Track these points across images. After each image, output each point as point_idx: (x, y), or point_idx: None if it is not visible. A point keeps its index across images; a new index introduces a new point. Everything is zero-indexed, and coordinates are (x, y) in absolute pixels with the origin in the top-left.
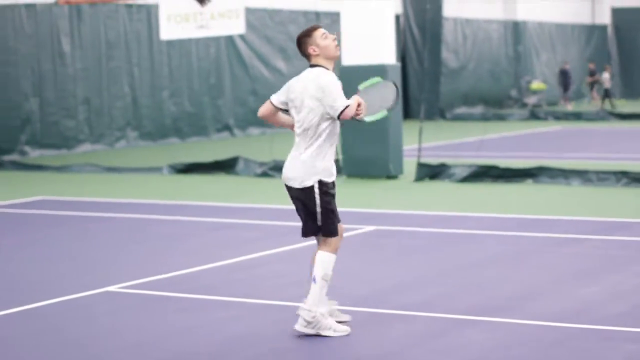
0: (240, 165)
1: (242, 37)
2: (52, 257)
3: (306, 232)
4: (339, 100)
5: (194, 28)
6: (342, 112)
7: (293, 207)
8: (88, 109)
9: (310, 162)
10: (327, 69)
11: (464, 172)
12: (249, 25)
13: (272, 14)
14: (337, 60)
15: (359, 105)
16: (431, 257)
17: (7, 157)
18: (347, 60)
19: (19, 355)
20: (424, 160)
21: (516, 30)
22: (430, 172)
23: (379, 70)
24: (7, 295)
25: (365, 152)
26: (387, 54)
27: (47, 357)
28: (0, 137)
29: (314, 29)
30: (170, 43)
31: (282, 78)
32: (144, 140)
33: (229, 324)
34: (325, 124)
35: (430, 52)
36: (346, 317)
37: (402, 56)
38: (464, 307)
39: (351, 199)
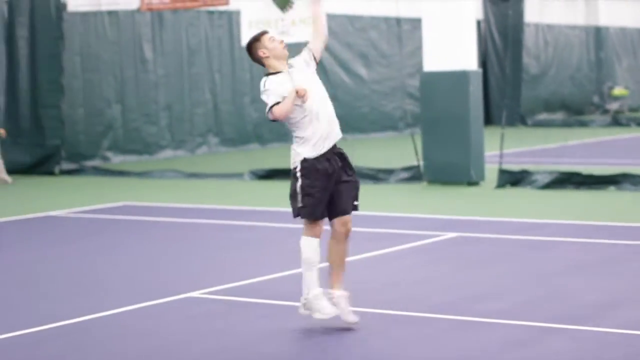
0: None
1: None
2: (134, 262)
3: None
4: (267, 110)
5: (275, 34)
6: (269, 111)
7: (376, 213)
8: (169, 115)
9: (295, 150)
10: (279, 70)
11: (546, 179)
12: (330, 31)
13: (353, 20)
14: (285, 58)
15: (297, 93)
16: (514, 264)
17: (89, 163)
18: (429, 67)
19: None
20: (505, 166)
21: (598, 36)
22: (512, 179)
23: (461, 77)
24: (89, 301)
25: (446, 158)
26: (468, 60)
27: None
28: (83, 143)
29: (261, 34)
30: None
31: (363, 84)
32: (225, 146)
33: (312, 331)
34: (293, 118)
35: (511, 58)
36: (353, 319)
37: (483, 62)
38: (549, 315)
39: (432, 206)
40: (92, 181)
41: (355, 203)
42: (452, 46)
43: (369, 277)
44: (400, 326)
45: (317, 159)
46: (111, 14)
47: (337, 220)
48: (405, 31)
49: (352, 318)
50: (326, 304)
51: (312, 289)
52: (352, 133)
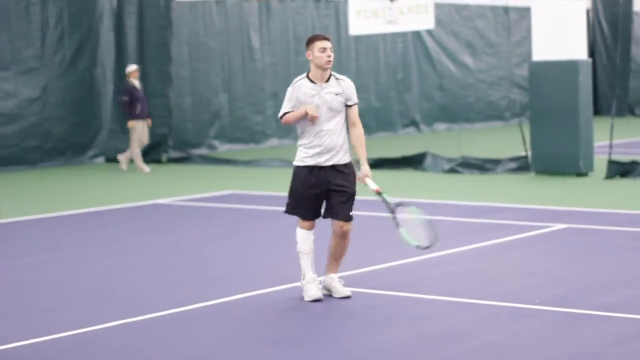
0: (428, 161)
1: (429, 32)
2: (240, 251)
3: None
4: (281, 109)
5: (383, 23)
6: (280, 118)
7: (484, 204)
8: (276, 103)
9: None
10: (312, 77)
11: None
12: (436, 20)
13: (460, 8)
14: (325, 71)
15: (306, 114)
16: (625, 257)
17: (196, 151)
18: (538, 56)
19: (211, 348)
20: (614, 157)
21: None
22: (621, 170)
23: (571, 66)
24: (195, 290)
25: (555, 148)
26: (578, 50)
27: (234, 351)
28: (190, 132)
29: (317, 38)
30: (357, 38)
31: (469, 73)
32: None
33: (422, 322)
34: (300, 125)
35: (620, 47)
36: (346, 293)
37: (591, 52)
38: None
39: (541, 196)
40: (198, 169)
41: (350, 213)
42: (561, 35)
43: (479, 269)
44: (512, 319)
45: (305, 168)
46: (219, 2)
47: (333, 222)
48: (512, 20)
49: (345, 292)
50: (311, 287)
51: (306, 274)
52: (458, 122)
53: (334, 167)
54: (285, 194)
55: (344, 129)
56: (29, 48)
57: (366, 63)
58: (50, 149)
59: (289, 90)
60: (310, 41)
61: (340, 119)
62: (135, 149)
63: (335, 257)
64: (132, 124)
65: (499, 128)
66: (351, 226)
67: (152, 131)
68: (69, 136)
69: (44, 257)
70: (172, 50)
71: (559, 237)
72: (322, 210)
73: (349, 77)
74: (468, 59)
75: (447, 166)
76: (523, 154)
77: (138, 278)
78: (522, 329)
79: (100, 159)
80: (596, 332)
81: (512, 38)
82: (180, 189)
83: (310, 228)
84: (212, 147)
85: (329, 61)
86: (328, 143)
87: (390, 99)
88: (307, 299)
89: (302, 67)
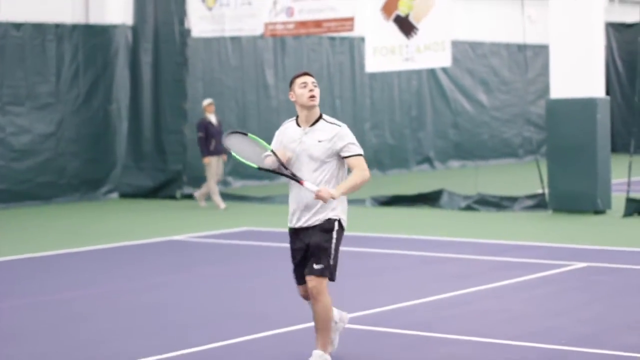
0: (444, 198)
1: (444, 69)
2: (257, 289)
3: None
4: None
5: (400, 61)
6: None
7: (502, 242)
8: None
9: None
10: (299, 119)
11: None
12: (452, 57)
13: (474, 46)
14: (310, 110)
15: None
16: None
17: None
18: (556, 94)
19: None
20: (632, 195)
21: None
22: (639, 208)
23: (589, 104)
24: (216, 328)
25: (572, 186)
26: (596, 87)
27: None
28: (204, 168)
29: (296, 76)
30: (372, 75)
31: (484, 111)
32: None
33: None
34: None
35: (638, 85)
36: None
37: (606, 90)
38: None
39: (559, 234)
40: (213, 206)
41: (315, 266)
42: (579, 73)
43: (500, 308)
44: (540, 359)
45: (290, 230)
46: (234, 39)
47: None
48: (527, 57)
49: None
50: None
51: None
52: (472, 160)
53: (313, 228)
54: None
55: (334, 183)
56: (44, 84)
57: (381, 100)
58: (65, 184)
59: (277, 132)
60: (291, 82)
61: (326, 171)
62: (212, 185)
63: (317, 327)
64: (207, 160)
65: (513, 165)
66: (318, 284)
67: (166, 167)
68: (83, 172)
69: (58, 294)
70: (187, 86)
71: (579, 276)
72: None
73: (363, 114)
74: (482, 97)
75: (463, 204)
76: (540, 191)
77: (155, 316)
78: None
79: (114, 195)
80: None
81: (527, 75)
82: (195, 225)
83: (305, 296)
84: (226, 184)
85: (313, 96)
86: (307, 199)
87: (404, 136)
88: None
89: (318, 104)
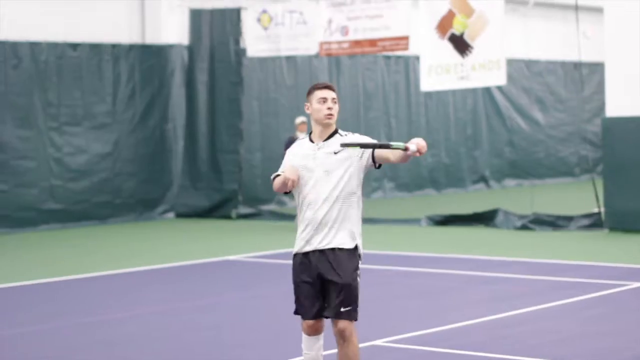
0: (499, 218)
1: (499, 87)
2: None
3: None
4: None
5: (455, 79)
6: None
7: (558, 261)
8: None
9: None
10: (312, 135)
11: None
12: (507, 75)
13: (530, 64)
14: (326, 127)
15: (285, 182)
16: None
17: (266, 207)
18: (612, 112)
19: None
20: None
21: None
22: None
23: None
24: (267, 348)
25: (629, 205)
26: None
27: None
28: (260, 187)
29: (316, 87)
30: (427, 94)
31: (539, 129)
32: (400, 191)
33: None
34: (296, 195)
35: None
36: None
37: None
38: None
39: (616, 254)
40: (268, 225)
41: (343, 309)
42: (635, 91)
43: (554, 328)
44: None
45: (298, 255)
46: (289, 59)
47: (332, 322)
48: (583, 75)
49: None
50: None
51: None
52: (528, 178)
53: (325, 252)
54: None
55: (355, 202)
56: (101, 104)
57: (436, 119)
58: (121, 204)
59: (287, 151)
60: (310, 91)
61: (342, 188)
62: None
63: None
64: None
65: (569, 184)
66: (349, 325)
67: (221, 187)
68: (139, 192)
69: (114, 314)
70: (243, 105)
71: (636, 296)
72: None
73: (418, 133)
74: (538, 115)
75: (519, 223)
76: (596, 210)
77: (212, 336)
78: None
79: (171, 215)
80: None
81: (582, 93)
82: (251, 245)
83: (311, 332)
84: (281, 203)
85: (330, 115)
86: (320, 216)
87: (459, 155)
88: None
89: (372, 124)
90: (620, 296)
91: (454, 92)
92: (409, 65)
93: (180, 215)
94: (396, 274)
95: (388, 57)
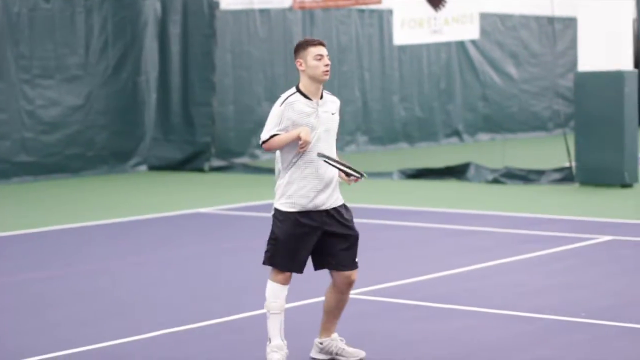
0: (471, 171)
1: (473, 42)
2: None
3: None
4: (264, 131)
5: (428, 33)
6: (262, 143)
7: (528, 215)
8: None
9: (277, 188)
10: (308, 94)
11: None
12: (481, 30)
13: (504, 18)
14: (321, 84)
15: (299, 138)
16: None
17: (238, 160)
18: (583, 67)
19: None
20: None
21: None
22: None
23: (616, 77)
24: (235, 300)
25: (599, 159)
26: (624, 61)
27: None
28: (232, 140)
29: (311, 43)
30: (401, 48)
31: (513, 83)
32: (374, 144)
33: (468, 334)
34: (284, 153)
35: None
36: (360, 354)
37: (636, 62)
38: None
39: (585, 208)
40: (241, 178)
41: (356, 260)
42: (607, 46)
43: (523, 281)
44: (560, 332)
45: (293, 214)
46: (263, 12)
47: (337, 274)
48: (556, 30)
49: (359, 352)
50: (275, 357)
51: (273, 339)
52: (501, 133)
53: (329, 211)
54: None
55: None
56: (73, 56)
57: (409, 72)
58: (93, 157)
59: (278, 109)
60: (302, 47)
61: (334, 146)
62: None
63: (336, 314)
64: None
65: (542, 139)
66: (355, 274)
67: (194, 140)
68: (112, 144)
69: (85, 265)
70: (216, 58)
71: (604, 249)
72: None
73: (392, 87)
74: (512, 69)
75: (490, 177)
76: (567, 165)
77: (179, 288)
78: (571, 342)
79: (143, 167)
80: None
81: (556, 48)
82: (222, 198)
83: (286, 282)
84: (254, 156)
85: (327, 71)
86: (326, 175)
87: (433, 109)
88: None
89: (345, 77)
90: (588, 249)
91: (427, 46)
92: (383, 19)
93: (152, 168)
94: (366, 226)
95: (362, 11)
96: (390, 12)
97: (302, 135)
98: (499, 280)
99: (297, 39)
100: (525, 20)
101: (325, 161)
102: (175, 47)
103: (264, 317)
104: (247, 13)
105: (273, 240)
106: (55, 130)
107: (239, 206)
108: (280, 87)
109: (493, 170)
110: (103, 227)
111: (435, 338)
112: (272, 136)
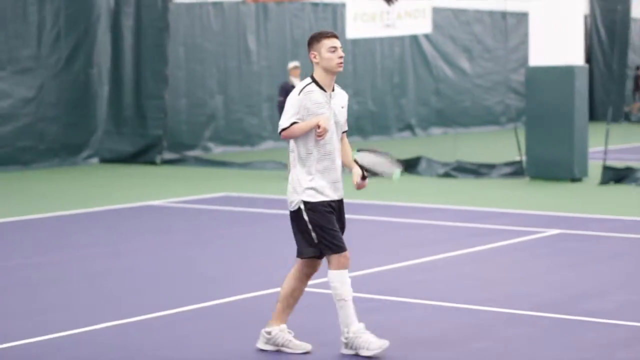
0: (422, 165)
1: (426, 36)
2: (233, 254)
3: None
4: (283, 119)
5: (381, 27)
6: (281, 131)
7: (477, 208)
8: (272, 106)
9: (294, 182)
10: (323, 86)
11: None
12: (434, 24)
13: (458, 13)
14: (334, 75)
15: (318, 127)
16: (619, 263)
17: (190, 153)
18: (535, 61)
19: (190, 353)
20: (609, 163)
21: None
22: (616, 176)
23: (567, 72)
24: (186, 292)
25: (549, 154)
26: (575, 55)
27: (218, 356)
28: (185, 133)
29: (324, 36)
30: (354, 42)
31: (466, 78)
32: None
33: (412, 327)
34: (300, 144)
35: (617, 54)
36: (307, 347)
37: (588, 57)
38: None
39: (535, 202)
40: (193, 171)
41: None
42: (558, 41)
43: (471, 274)
44: (504, 325)
45: (324, 203)
46: (216, 5)
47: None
48: (509, 25)
49: (305, 347)
50: (372, 338)
51: (352, 326)
52: (454, 127)
53: (338, 202)
54: (281, 196)
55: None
56: (25, 48)
57: (363, 66)
58: (44, 149)
59: (297, 98)
60: (316, 39)
61: (340, 138)
62: None
63: (293, 303)
64: None
65: (494, 133)
66: None
67: (146, 132)
68: (64, 137)
69: (36, 258)
70: (169, 51)
71: (552, 243)
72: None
73: (345, 80)
74: (465, 64)
75: (441, 170)
76: (518, 159)
77: (130, 280)
78: (514, 335)
79: (95, 160)
80: (588, 339)
81: (509, 43)
82: (174, 190)
83: (348, 264)
84: (206, 149)
85: (341, 63)
86: (340, 167)
87: (386, 103)
88: (370, 352)
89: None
90: (536, 243)
91: (381, 40)
92: (337, 13)
93: (104, 160)
94: None
95: (315, 4)
96: (343, 5)
97: (321, 123)
98: (447, 273)
99: (251, 32)
100: (479, 15)
101: (361, 166)
102: (128, 40)
103: (213, 307)
104: (201, 6)
105: (318, 230)
106: (7, 122)
107: (190, 199)
108: (233, 80)
109: (444, 164)
110: (54, 220)
111: (379, 330)
112: (291, 124)
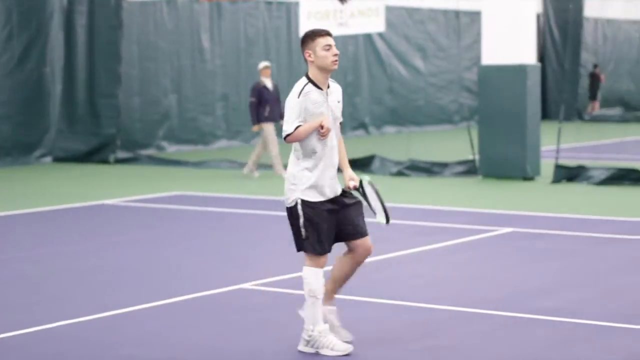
0: (375, 164)
1: (380, 35)
2: (187, 253)
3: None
4: (286, 124)
5: (334, 26)
6: (286, 137)
7: (430, 207)
8: (226, 105)
9: (295, 179)
10: (318, 84)
11: (603, 175)
12: (388, 23)
13: (411, 12)
14: (330, 73)
15: (322, 127)
16: (570, 261)
17: (144, 152)
18: (487, 60)
19: (152, 350)
20: (561, 162)
21: None
22: (568, 174)
23: (519, 71)
24: (141, 291)
25: (502, 152)
26: (527, 54)
27: (179, 353)
28: (138, 132)
29: (319, 34)
30: None
31: (420, 77)
32: (279, 136)
33: (362, 325)
34: (304, 144)
35: (570, 52)
36: (348, 337)
37: (541, 56)
38: (603, 314)
39: (487, 200)
40: (146, 170)
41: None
42: (511, 40)
43: (423, 272)
44: (454, 323)
45: (323, 203)
46: (170, 3)
47: (358, 244)
48: (463, 24)
49: (345, 335)
50: (335, 340)
51: (318, 325)
52: (408, 126)
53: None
54: (234, 195)
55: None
56: None
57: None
58: None
59: (297, 101)
60: (310, 38)
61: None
62: (275, 152)
63: (345, 282)
64: (256, 127)
65: (448, 132)
66: None
67: (100, 131)
68: (16, 135)
69: None
70: (122, 50)
71: (504, 241)
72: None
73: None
74: (419, 63)
75: (394, 169)
76: (471, 157)
77: (85, 279)
78: (464, 333)
79: (48, 159)
80: (538, 336)
81: (462, 42)
82: (128, 189)
83: (324, 265)
84: (160, 148)
85: (336, 61)
86: (336, 163)
87: None
88: (334, 353)
89: (253, 70)
90: (488, 241)
91: (335, 39)
92: (291, 11)
93: (57, 159)
94: (266, 218)
95: (269, 3)
96: (297, 4)
97: (324, 123)
98: (399, 271)
99: (205, 30)
100: (433, 14)
101: (363, 193)
102: (81, 38)
103: (171, 305)
104: (154, 4)
105: (308, 228)
106: None
107: (144, 198)
108: (187, 79)
109: (397, 163)
110: (6, 219)
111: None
112: (295, 128)
